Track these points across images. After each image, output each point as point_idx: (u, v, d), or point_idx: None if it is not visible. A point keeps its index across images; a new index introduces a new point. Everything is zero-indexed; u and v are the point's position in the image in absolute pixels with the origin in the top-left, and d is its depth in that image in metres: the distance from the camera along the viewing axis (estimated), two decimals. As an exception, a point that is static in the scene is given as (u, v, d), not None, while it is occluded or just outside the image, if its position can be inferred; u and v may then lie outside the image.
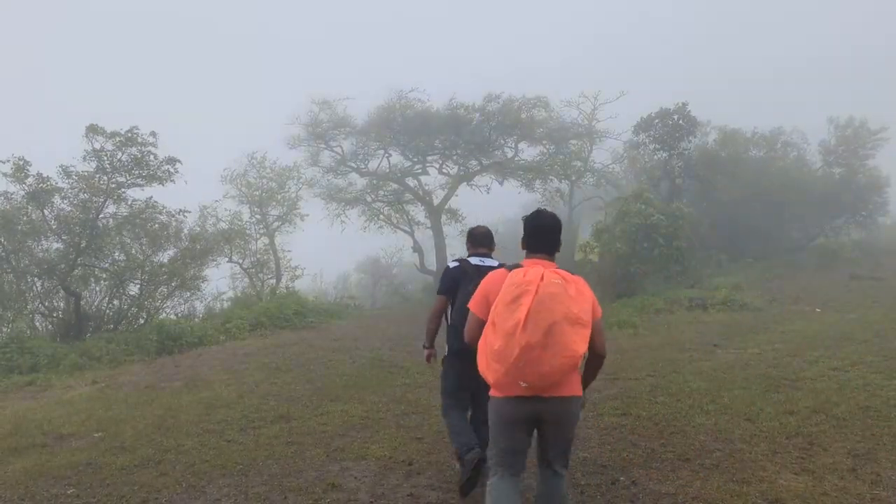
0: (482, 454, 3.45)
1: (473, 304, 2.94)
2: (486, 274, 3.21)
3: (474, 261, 3.95)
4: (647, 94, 22.25)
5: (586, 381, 2.95)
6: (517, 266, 2.84)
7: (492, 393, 2.80)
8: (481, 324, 2.83)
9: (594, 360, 2.90)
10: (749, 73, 53.35)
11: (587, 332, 2.64)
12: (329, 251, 25.17)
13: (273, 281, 19.46)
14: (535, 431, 2.83)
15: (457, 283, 3.89)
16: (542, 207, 3.49)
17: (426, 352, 4.13)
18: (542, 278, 2.64)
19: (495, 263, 3.91)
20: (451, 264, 4.07)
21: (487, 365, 2.71)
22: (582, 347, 2.61)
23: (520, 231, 3.03)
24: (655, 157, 19.53)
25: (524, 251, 2.99)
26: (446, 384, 3.96)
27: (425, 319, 4.07)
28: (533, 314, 2.56)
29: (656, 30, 76.40)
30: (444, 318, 4.00)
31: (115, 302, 11.99)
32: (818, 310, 10.68)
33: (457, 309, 3.88)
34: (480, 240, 4.08)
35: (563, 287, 2.63)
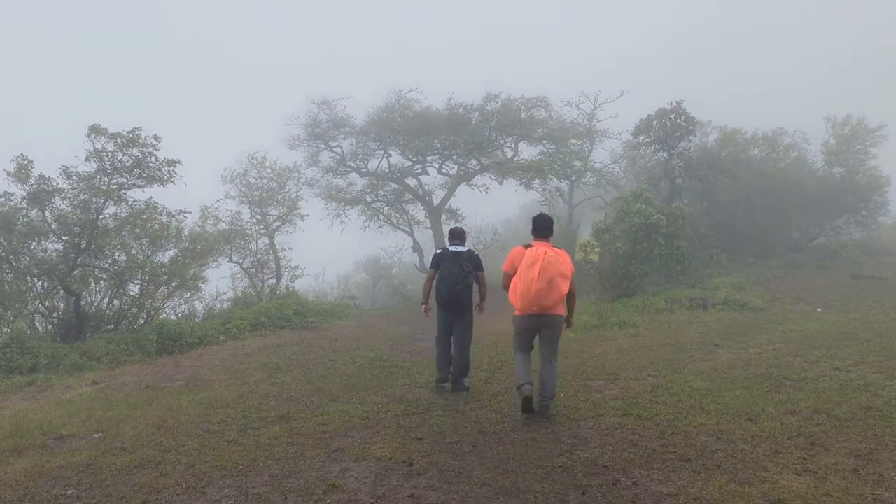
0: (446, 379, 6.35)
1: (506, 268, 5.34)
2: (458, 255, 6.34)
3: (451, 249, 6.49)
4: (647, 95, 22.23)
5: (571, 309, 5.43)
6: (529, 246, 5.27)
7: (515, 313, 5.26)
8: (510, 277, 5.28)
9: (570, 295, 5.28)
10: (750, 73, 53.37)
11: (568, 281, 5.14)
12: (329, 251, 25.17)
13: (273, 281, 19.42)
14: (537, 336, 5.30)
15: (439, 262, 6.41)
16: (543, 212, 5.65)
17: (423, 307, 6.52)
18: (545, 254, 5.06)
19: (464, 249, 6.48)
20: (437, 251, 6.65)
21: (515, 300, 5.16)
22: (566, 289, 5.12)
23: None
24: (655, 157, 19.51)
25: (533, 237, 5.40)
26: (438, 324, 6.49)
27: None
28: (541, 273, 4.98)
29: (656, 33, 76.37)
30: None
31: (116, 302, 11.97)
32: (819, 309, 10.66)
33: (440, 277, 6.36)
34: (455, 236, 6.65)
35: (556, 258, 5.09)
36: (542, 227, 5.36)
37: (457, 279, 6.25)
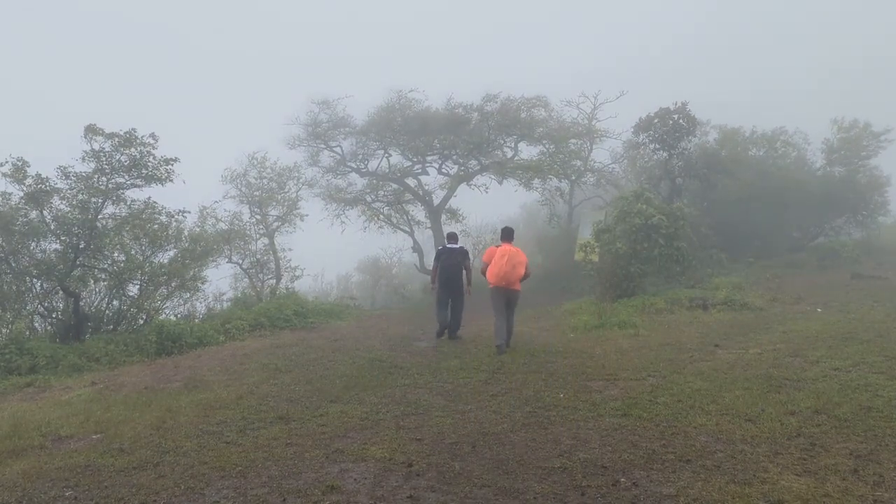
0: (446, 329, 9.61)
1: (485, 258, 8.83)
2: (454, 252, 9.69)
3: (449, 246, 9.80)
4: (648, 95, 22.17)
5: (524, 278, 8.70)
6: (499, 245, 8.74)
7: (490, 287, 8.59)
8: (486, 265, 8.70)
9: (524, 274, 8.65)
10: (752, 74, 53.35)
11: (524, 267, 8.61)
12: (329, 251, 25.14)
13: (273, 281, 19.40)
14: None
15: (441, 257, 9.67)
16: (507, 225, 9.41)
17: (432, 286, 10.08)
18: (510, 250, 8.56)
19: (457, 247, 9.77)
20: (439, 248, 10.07)
21: (491, 277, 8.52)
22: (522, 272, 8.57)
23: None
24: (655, 156, 19.48)
25: (501, 240, 8.88)
26: (437, 297, 9.69)
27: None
28: (507, 261, 8.46)
29: (657, 33, 76.39)
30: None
31: (115, 303, 11.96)
32: (819, 309, 10.64)
33: (442, 268, 9.55)
34: (451, 238, 10.16)
35: (517, 253, 8.60)
36: (507, 234, 8.87)
37: (454, 268, 9.53)
